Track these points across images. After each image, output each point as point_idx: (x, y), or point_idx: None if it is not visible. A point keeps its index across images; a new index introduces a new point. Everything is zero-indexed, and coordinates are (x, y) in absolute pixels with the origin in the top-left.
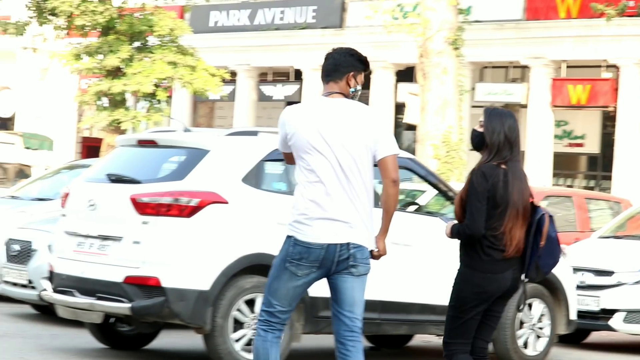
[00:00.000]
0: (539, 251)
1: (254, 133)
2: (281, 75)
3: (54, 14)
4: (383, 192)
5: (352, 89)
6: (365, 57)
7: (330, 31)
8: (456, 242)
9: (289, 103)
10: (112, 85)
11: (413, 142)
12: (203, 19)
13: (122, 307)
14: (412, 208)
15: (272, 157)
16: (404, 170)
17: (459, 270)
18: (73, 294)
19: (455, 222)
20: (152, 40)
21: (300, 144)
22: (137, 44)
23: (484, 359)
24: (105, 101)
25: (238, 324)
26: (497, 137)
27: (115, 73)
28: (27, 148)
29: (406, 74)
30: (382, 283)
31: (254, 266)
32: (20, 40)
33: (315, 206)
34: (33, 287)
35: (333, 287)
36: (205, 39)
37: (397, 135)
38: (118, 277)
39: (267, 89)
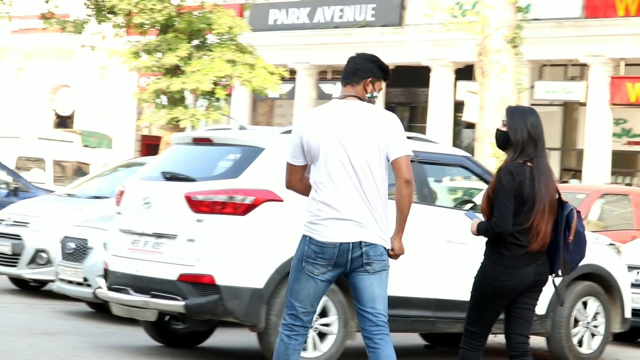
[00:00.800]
0: (568, 246)
1: None
2: (340, 74)
3: (112, 12)
4: (396, 192)
5: (369, 95)
6: (387, 66)
7: (389, 29)
8: None
9: None
10: (171, 83)
11: (472, 140)
12: (262, 17)
13: (176, 305)
14: (468, 206)
15: None
16: (459, 169)
17: (481, 263)
18: (127, 292)
19: (481, 219)
20: (211, 38)
21: (314, 146)
22: (195, 42)
23: (526, 355)
24: (164, 99)
25: None
26: (520, 134)
27: (174, 71)
28: (86, 146)
29: (465, 72)
30: (436, 281)
31: None
32: (79, 39)
33: (327, 207)
34: (88, 285)
35: (352, 286)
36: (264, 37)
37: (457, 134)
38: (172, 275)
39: (327, 87)
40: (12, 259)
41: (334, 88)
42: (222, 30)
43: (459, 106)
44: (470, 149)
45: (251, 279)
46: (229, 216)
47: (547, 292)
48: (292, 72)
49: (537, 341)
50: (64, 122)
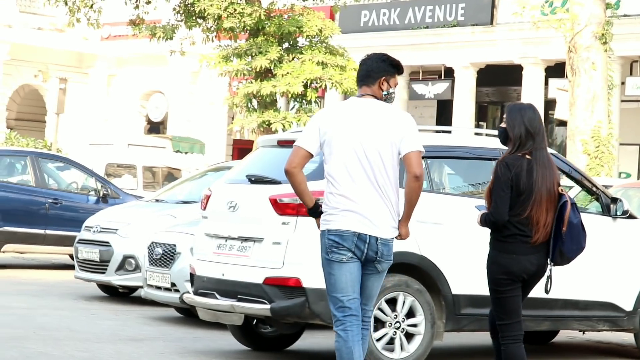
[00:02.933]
0: (561, 236)
1: None
2: (432, 74)
3: (202, 17)
4: (406, 185)
5: (385, 92)
6: (398, 61)
7: (480, 28)
8: (598, 239)
9: (440, 101)
10: (262, 86)
11: (565, 137)
12: (354, 18)
13: (262, 308)
14: None
15: None
16: None
17: (488, 254)
18: (214, 296)
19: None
20: (301, 41)
21: (332, 141)
22: (286, 45)
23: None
24: (255, 103)
25: (379, 323)
26: (518, 129)
27: (265, 74)
28: (177, 151)
29: (556, 70)
30: None
31: (395, 264)
32: (169, 44)
33: (345, 199)
34: (176, 290)
35: None
36: (356, 39)
37: (550, 131)
38: (258, 278)
39: (419, 88)
40: (100, 265)
41: (426, 88)
42: (312, 33)
43: (550, 104)
44: (563, 146)
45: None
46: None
47: (634, 289)
48: None
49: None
50: (156, 128)
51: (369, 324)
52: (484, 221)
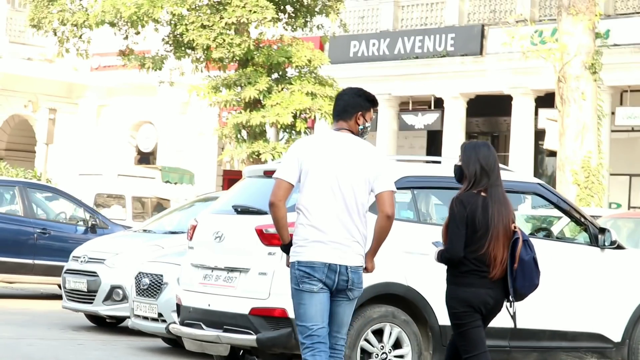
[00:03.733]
0: (513, 273)
1: None
2: (422, 104)
3: (191, 47)
4: (377, 223)
5: (361, 127)
6: (373, 96)
7: (470, 58)
8: (586, 269)
9: (430, 132)
10: (251, 117)
11: (555, 168)
12: (343, 49)
13: (248, 339)
14: (542, 234)
15: (400, 185)
16: (533, 196)
17: (446, 290)
18: (200, 327)
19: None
20: (290, 71)
21: (308, 173)
22: (275, 75)
23: None
24: (244, 133)
25: (366, 354)
26: (472, 167)
27: (254, 105)
28: (167, 182)
29: (546, 100)
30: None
31: (382, 295)
32: (159, 75)
33: (315, 230)
34: (164, 321)
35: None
36: (345, 69)
37: (540, 162)
38: (244, 308)
39: (408, 118)
40: (88, 295)
41: (416, 119)
42: (301, 63)
43: (540, 134)
44: (553, 176)
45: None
46: None
47: (622, 320)
48: None
49: None
50: (146, 158)
51: (342, 352)
52: (440, 257)
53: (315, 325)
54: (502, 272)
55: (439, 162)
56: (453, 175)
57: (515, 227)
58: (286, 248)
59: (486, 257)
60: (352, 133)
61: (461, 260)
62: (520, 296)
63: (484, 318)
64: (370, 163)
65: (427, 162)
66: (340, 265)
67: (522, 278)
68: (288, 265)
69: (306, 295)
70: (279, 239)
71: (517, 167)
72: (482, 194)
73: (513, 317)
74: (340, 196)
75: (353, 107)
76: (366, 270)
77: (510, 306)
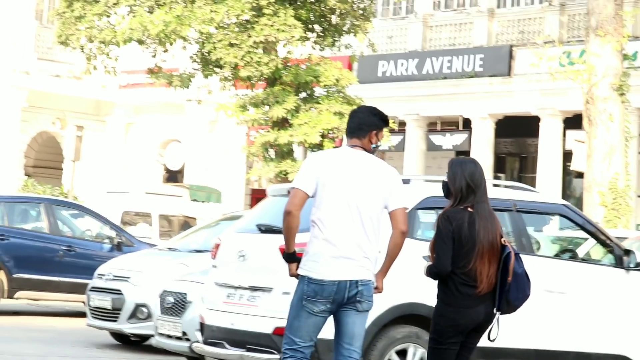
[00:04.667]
0: (506, 286)
1: (407, 181)
2: (450, 125)
3: (218, 66)
4: (390, 240)
5: (374, 145)
6: (386, 116)
7: (498, 79)
8: (611, 291)
9: (458, 152)
10: (279, 136)
11: (582, 189)
12: (371, 68)
13: (271, 358)
14: (567, 255)
15: (424, 205)
16: (558, 217)
17: (435, 305)
18: (223, 346)
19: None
20: (318, 90)
21: (325, 189)
22: (303, 94)
23: None
24: (272, 152)
25: None
26: (459, 183)
27: (282, 124)
28: (194, 200)
29: (574, 121)
30: (536, 331)
31: (406, 316)
32: (187, 93)
33: (329, 245)
34: (187, 339)
35: (337, 320)
36: (373, 89)
37: (567, 183)
38: (267, 328)
39: (436, 139)
40: (112, 313)
41: (444, 139)
42: (329, 83)
43: (568, 156)
44: (581, 198)
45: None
46: None
47: None
48: (402, 123)
49: None
50: (174, 176)
51: None
52: (429, 272)
53: (302, 342)
54: (490, 286)
55: None
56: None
57: (504, 242)
58: (289, 256)
59: (472, 272)
60: (365, 151)
61: (450, 275)
62: (514, 308)
63: (473, 330)
64: (385, 181)
65: None
66: (349, 280)
67: (515, 290)
68: (292, 275)
69: (304, 314)
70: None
71: (545, 188)
72: (469, 209)
73: (497, 327)
74: (356, 212)
75: (368, 125)
76: (377, 289)
77: (496, 321)
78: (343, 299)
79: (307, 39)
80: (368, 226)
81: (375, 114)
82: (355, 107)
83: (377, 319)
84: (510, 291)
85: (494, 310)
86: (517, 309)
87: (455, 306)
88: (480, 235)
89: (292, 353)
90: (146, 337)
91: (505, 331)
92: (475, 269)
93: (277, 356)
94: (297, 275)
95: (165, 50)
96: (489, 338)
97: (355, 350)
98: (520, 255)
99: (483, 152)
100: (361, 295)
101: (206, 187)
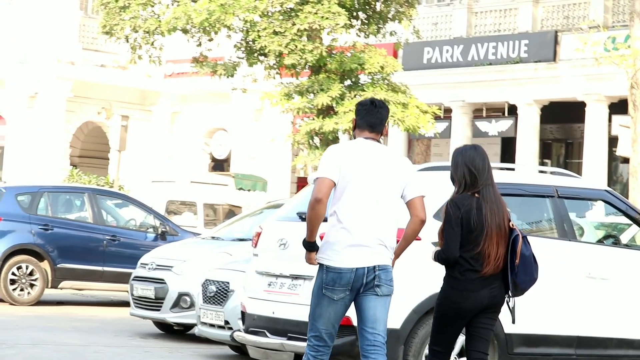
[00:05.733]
0: (515, 269)
1: (447, 168)
2: (495, 111)
3: (263, 54)
4: (408, 226)
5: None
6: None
7: (543, 65)
8: None
9: (504, 139)
10: (324, 124)
11: (628, 175)
12: (416, 55)
13: (304, 346)
14: (610, 241)
15: None
16: (601, 203)
17: (441, 287)
18: (264, 334)
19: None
20: (363, 78)
21: (348, 180)
22: (347, 82)
23: None
24: (317, 140)
25: None
26: (460, 170)
27: (327, 112)
28: (240, 189)
29: (620, 106)
30: (578, 318)
31: None
32: (232, 82)
33: (348, 234)
34: (230, 328)
35: (358, 306)
36: (419, 76)
37: (613, 169)
38: (303, 313)
39: (482, 125)
40: (155, 303)
41: (489, 126)
42: (374, 70)
43: (614, 141)
44: (627, 183)
45: (389, 320)
46: None
47: None
48: (447, 110)
49: None
50: (220, 165)
51: (383, 350)
52: (437, 257)
53: (324, 329)
54: (496, 269)
55: (513, 170)
56: (519, 182)
57: (513, 225)
58: (309, 244)
59: (481, 255)
60: (378, 142)
61: (457, 260)
62: (521, 291)
63: (478, 313)
64: (402, 171)
65: (501, 169)
66: (366, 267)
67: (523, 273)
68: (310, 262)
69: (325, 300)
70: None
71: (591, 174)
72: (476, 195)
73: (512, 311)
74: (375, 202)
75: (384, 121)
76: None
77: (509, 301)
78: (361, 285)
79: (352, 26)
80: (386, 216)
81: (388, 109)
82: (400, 94)
83: (417, 306)
84: (518, 274)
85: (508, 293)
86: (524, 292)
87: (459, 289)
88: (488, 218)
89: (315, 341)
90: (189, 327)
91: (547, 318)
92: (484, 251)
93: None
94: (315, 263)
95: (210, 39)
96: (512, 321)
97: (379, 334)
98: (529, 239)
99: (529, 138)
100: (379, 280)
101: (252, 176)
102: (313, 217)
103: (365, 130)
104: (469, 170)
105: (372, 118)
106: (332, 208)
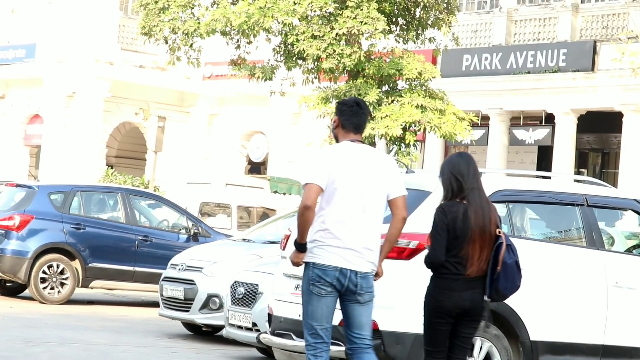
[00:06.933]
0: (495, 274)
1: None
2: (533, 119)
3: (301, 58)
4: (391, 226)
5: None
6: None
7: (581, 74)
8: None
9: (541, 147)
10: None
11: None
12: (455, 62)
13: (338, 350)
14: (638, 251)
15: (495, 199)
16: (630, 212)
17: (427, 287)
18: (290, 337)
19: None
20: (400, 84)
21: (336, 183)
22: (385, 87)
23: None
24: None
25: None
26: (446, 178)
27: None
28: (275, 192)
29: None
30: (604, 327)
31: None
32: (270, 85)
33: (332, 235)
34: (258, 330)
35: (343, 312)
36: (457, 83)
37: None
38: (335, 320)
39: (519, 133)
40: (184, 304)
41: (526, 134)
42: (411, 76)
43: None
44: None
45: (414, 324)
46: (393, 260)
47: None
48: (485, 117)
49: None
50: (257, 168)
51: (371, 348)
52: (424, 262)
53: (320, 326)
54: (479, 271)
55: (549, 178)
56: (549, 190)
57: (499, 232)
58: (301, 247)
59: (464, 258)
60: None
61: (443, 264)
62: (502, 296)
63: (461, 316)
64: (386, 171)
65: (537, 177)
66: (350, 270)
67: (504, 280)
68: (297, 263)
69: (315, 297)
70: None
71: (627, 184)
72: (464, 202)
73: (487, 315)
74: (362, 206)
75: (366, 122)
76: (377, 275)
77: (485, 305)
78: (342, 287)
79: (391, 32)
80: (373, 218)
81: (368, 108)
82: (437, 100)
83: None
84: (499, 280)
85: (485, 297)
86: (506, 297)
87: (442, 288)
88: (472, 220)
89: (313, 340)
90: (218, 328)
91: (573, 326)
92: (467, 253)
93: (343, 347)
94: (301, 264)
95: (249, 42)
96: (486, 324)
97: (366, 337)
98: (514, 247)
99: (565, 147)
100: (361, 288)
101: (288, 179)
102: (303, 222)
103: (350, 132)
104: (454, 177)
105: (357, 119)
106: (320, 212)
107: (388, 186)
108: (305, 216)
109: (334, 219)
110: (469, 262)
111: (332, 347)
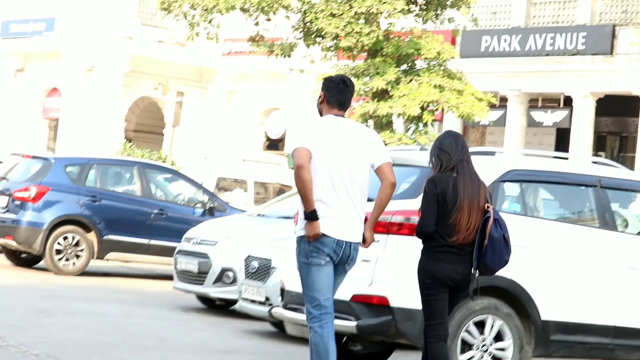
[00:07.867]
0: (483, 248)
1: (491, 153)
2: (551, 102)
3: (320, 36)
4: (380, 191)
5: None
6: None
7: (600, 58)
8: None
9: (559, 130)
10: (378, 107)
11: None
12: (474, 43)
13: (349, 325)
14: None
15: (508, 178)
16: None
17: (419, 260)
18: (302, 311)
19: None
20: (419, 63)
21: (321, 154)
22: (403, 66)
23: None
24: (371, 123)
25: (467, 346)
26: (434, 152)
27: (382, 95)
28: (292, 168)
29: None
30: (616, 308)
31: (485, 287)
32: (289, 62)
33: (323, 206)
34: (271, 305)
35: None
36: (476, 64)
37: None
38: (346, 295)
39: (537, 115)
40: (198, 277)
41: (545, 116)
42: (430, 56)
43: None
44: None
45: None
46: (406, 237)
47: None
48: (503, 99)
49: None
50: (274, 145)
51: (332, 311)
52: (415, 232)
53: (322, 296)
54: (466, 239)
55: (567, 159)
56: (562, 170)
57: (488, 207)
58: (312, 215)
59: (453, 225)
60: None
61: (433, 235)
62: (490, 270)
63: (453, 289)
64: (370, 141)
65: (555, 157)
66: (346, 241)
67: (491, 253)
68: (315, 235)
69: (314, 268)
70: (383, 227)
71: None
72: (454, 174)
73: (476, 289)
74: (349, 178)
75: (351, 100)
76: (364, 240)
77: (473, 279)
78: (338, 257)
79: (410, 11)
80: (361, 188)
81: (354, 86)
82: (455, 80)
83: None
84: (487, 254)
85: (472, 270)
86: (494, 272)
87: (433, 259)
88: (461, 189)
89: (316, 311)
90: (232, 302)
91: (585, 306)
92: (455, 220)
93: (354, 323)
94: (320, 234)
95: (268, 19)
96: (470, 297)
97: (332, 300)
98: (503, 221)
99: (583, 130)
100: (352, 259)
101: None
102: (302, 183)
103: (334, 108)
104: (442, 150)
105: (342, 96)
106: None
107: (372, 155)
108: (302, 176)
109: (325, 189)
110: (456, 228)
111: (343, 322)
